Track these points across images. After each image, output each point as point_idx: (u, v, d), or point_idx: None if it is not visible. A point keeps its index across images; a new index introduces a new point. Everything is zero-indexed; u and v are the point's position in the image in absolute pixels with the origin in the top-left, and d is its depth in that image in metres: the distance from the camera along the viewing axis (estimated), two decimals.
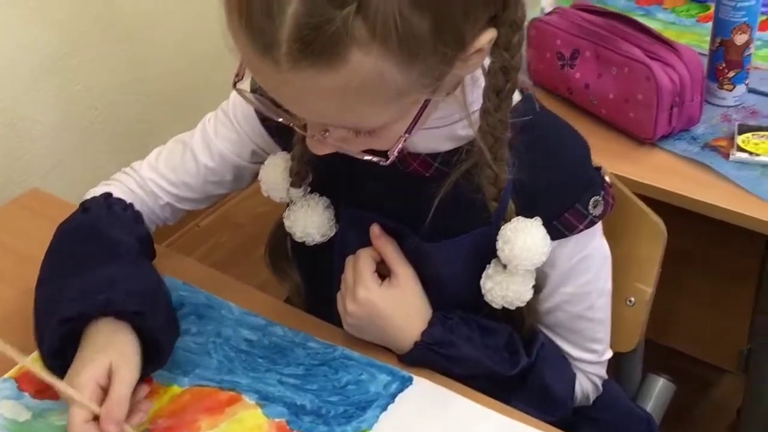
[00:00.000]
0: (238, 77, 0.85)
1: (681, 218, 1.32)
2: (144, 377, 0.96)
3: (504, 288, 0.98)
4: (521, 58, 0.88)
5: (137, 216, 1.11)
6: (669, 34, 1.65)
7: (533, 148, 0.95)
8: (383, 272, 1.03)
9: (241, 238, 2.13)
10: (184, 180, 1.14)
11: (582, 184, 0.99)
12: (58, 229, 1.07)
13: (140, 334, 0.96)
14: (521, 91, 0.99)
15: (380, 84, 0.76)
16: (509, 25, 0.84)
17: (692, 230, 1.39)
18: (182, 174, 1.13)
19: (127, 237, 1.05)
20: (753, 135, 1.38)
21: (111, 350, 0.93)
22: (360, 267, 1.01)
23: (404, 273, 1.01)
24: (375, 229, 1.03)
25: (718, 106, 1.48)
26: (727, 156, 1.36)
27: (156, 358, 0.98)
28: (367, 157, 0.85)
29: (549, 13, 1.54)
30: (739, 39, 1.42)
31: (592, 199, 0.99)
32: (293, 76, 0.74)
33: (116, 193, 1.12)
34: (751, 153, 1.35)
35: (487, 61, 0.88)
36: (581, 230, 0.99)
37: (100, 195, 1.11)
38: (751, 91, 1.49)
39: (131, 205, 1.11)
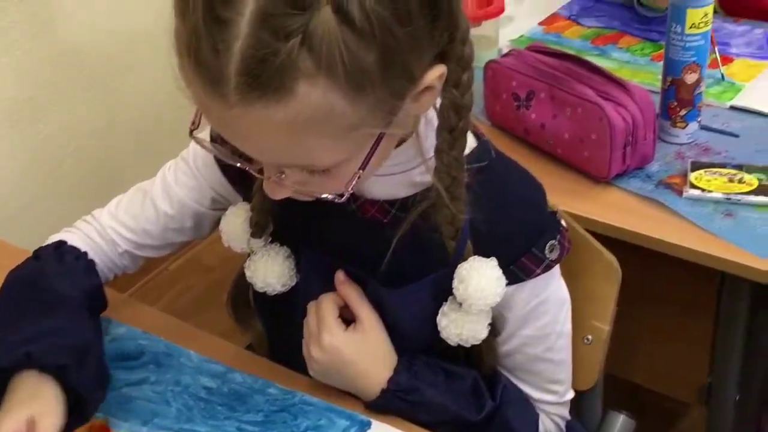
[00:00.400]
0: (195, 125, 0.86)
1: (639, 254, 1.34)
2: (69, 430, 0.97)
3: (459, 326, 0.99)
4: (472, 96, 0.89)
5: (89, 266, 1.11)
6: (624, 73, 1.69)
7: (489, 194, 0.96)
8: (348, 317, 1.03)
9: (210, 282, 2.13)
10: (144, 227, 1.14)
11: (538, 228, 1.01)
12: (7, 275, 1.08)
13: (66, 386, 0.98)
14: (477, 137, 1.01)
15: (329, 117, 0.77)
16: (457, 62, 0.86)
17: (650, 265, 1.41)
18: (142, 221, 1.14)
19: (71, 289, 1.05)
20: (705, 172, 1.41)
21: (34, 402, 0.95)
22: (323, 312, 1.02)
23: (369, 318, 1.02)
24: (340, 275, 1.03)
25: (671, 143, 1.50)
26: (680, 193, 1.39)
27: (81, 411, 0.99)
28: (324, 195, 0.86)
29: (504, 55, 1.57)
30: (690, 78, 1.45)
31: (548, 244, 1.00)
32: (243, 111, 0.75)
33: (73, 241, 1.13)
34: (703, 190, 1.37)
35: (439, 101, 0.89)
36: (538, 274, 1.01)
37: (52, 243, 1.12)
38: (703, 128, 1.52)
39: (85, 254, 1.11)
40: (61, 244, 1.12)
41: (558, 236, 1.01)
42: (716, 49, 1.64)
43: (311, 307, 1.04)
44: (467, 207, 0.94)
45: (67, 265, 1.09)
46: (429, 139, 0.93)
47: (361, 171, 0.84)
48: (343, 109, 0.77)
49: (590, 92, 1.41)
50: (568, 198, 1.40)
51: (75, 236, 1.14)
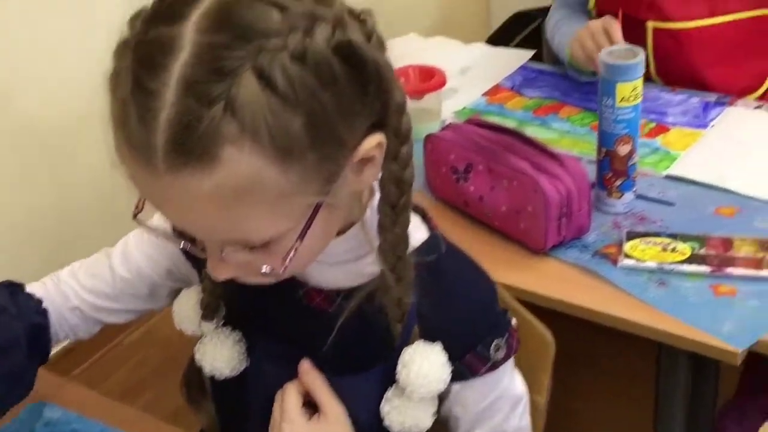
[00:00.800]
0: (138, 209, 0.87)
1: (580, 323, 1.36)
2: None
3: (402, 413, 0.98)
4: (413, 170, 0.89)
5: (39, 307, 1.11)
6: (564, 143, 1.73)
7: (438, 288, 0.95)
8: (313, 405, 1.01)
9: (168, 356, 2.12)
10: (100, 288, 1.13)
11: (485, 327, 1.00)
12: None
13: None
14: (429, 229, 1.00)
15: (258, 184, 0.77)
16: (395, 134, 0.85)
17: (591, 334, 1.43)
18: (99, 282, 1.13)
19: (12, 320, 1.06)
20: (641, 241, 1.43)
21: None
22: (286, 403, 1.00)
23: (332, 409, 1.00)
24: (305, 364, 1.01)
25: (608, 213, 1.53)
26: (615, 263, 1.41)
27: None
28: (264, 271, 0.84)
29: (443, 129, 1.60)
30: (622, 150, 1.48)
31: (494, 343, 0.99)
32: (172, 180, 0.76)
33: (30, 287, 1.13)
34: (637, 259, 1.40)
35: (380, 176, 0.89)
36: (483, 373, 0.99)
37: (7, 281, 1.12)
38: (640, 197, 1.55)
39: (40, 299, 1.12)
40: (17, 284, 1.12)
41: (506, 335, 1.01)
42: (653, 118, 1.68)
43: (277, 396, 1.02)
44: (415, 293, 0.93)
45: (18, 299, 1.09)
46: (375, 228, 0.92)
47: (299, 243, 0.83)
48: (271, 176, 0.77)
49: (525, 165, 1.43)
50: (506, 269, 1.42)
51: (32, 285, 1.14)
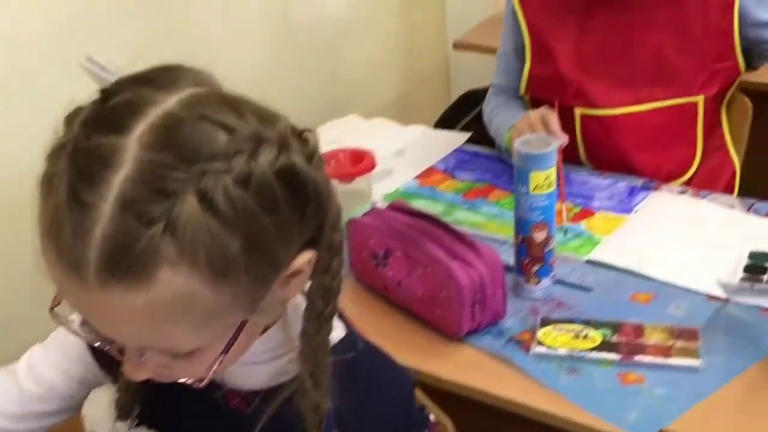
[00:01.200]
0: (56, 302, 0.84)
1: (495, 411, 1.36)
2: None
3: None
4: (341, 281, 0.89)
5: None
6: (491, 227, 1.75)
7: (355, 386, 0.95)
8: None
9: None
10: (6, 408, 1.06)
11: (404, 425, 1.00)
12: None
13: None
14: (346, 326, 1.00)
15: (190, 304, 0.76)
16: (327, 248, 0.85)
17: (504, 424, 1.43)
18: (4, 402, 1.06)
19: None
20: (554, 327, 1.44)
21: None
22: None
23: None
24: None
25: (526, 299, 1.54)
26: (528, 349, 1.42)
27: None
28: (182, 379, 0.84)
29: (365, 214, 1.61)
30: (538, 236, 1.50)
31: None
32: (102, 295, 0.75)
33: None
34: (549, 346, 1.41)
35: (307, 285, 0.88)
36: None
37: None
38: (559, 282, 1.57)
39: None
40: None
41: (426, 431, 1.01)
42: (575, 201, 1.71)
43: None
44: (333, 395, 0.91)
45: None
46: (296, 327, 0.91)
47: (223, 356, 0.83)
48: (204, 297, 0.76)
49: (440, 252, 1.45)
50: (421, 356, 1.43)
51: None
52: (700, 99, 1.84)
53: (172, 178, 0.73)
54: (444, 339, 1.47)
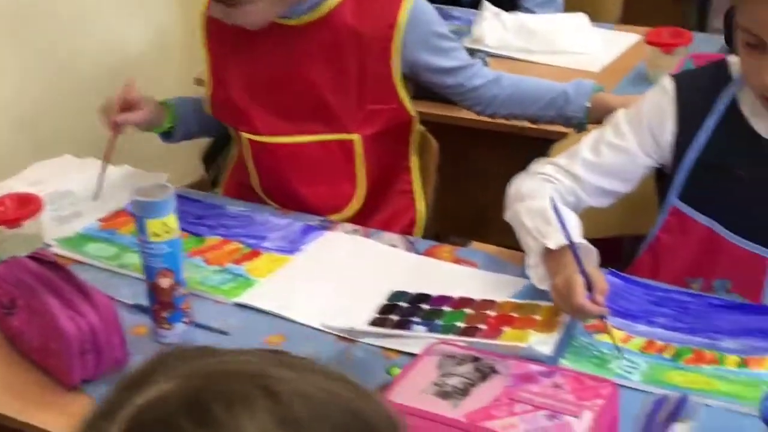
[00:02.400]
0: None
1: None
2: None
3: None
4: None
5: None
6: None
7: None
8: None
9: None
10: None
11: None
12: None
13: None
14: None
15: None
16: None
17: None
18: None
19: None
20: None
21: None
22: None
23: None
24: None
25: (164, 343, 1.55)
26: None
27: None
28: None
29: (2, 262, 1.59)
30: (164, 283, 1.51)
31: None
32: None
33: None
34: None
35: None
36: None
37: None
38: (198, 325, 1.58)
39: None
40: None
41: None
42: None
43: None
44: None
45: None
46: None
47: None
48: None
49: (54, 302, 1.44)
50: (34, 408, 1.42)
51: None
52: (356, 137, 1.88)
53: None
54: (64, 390, 1.46)
